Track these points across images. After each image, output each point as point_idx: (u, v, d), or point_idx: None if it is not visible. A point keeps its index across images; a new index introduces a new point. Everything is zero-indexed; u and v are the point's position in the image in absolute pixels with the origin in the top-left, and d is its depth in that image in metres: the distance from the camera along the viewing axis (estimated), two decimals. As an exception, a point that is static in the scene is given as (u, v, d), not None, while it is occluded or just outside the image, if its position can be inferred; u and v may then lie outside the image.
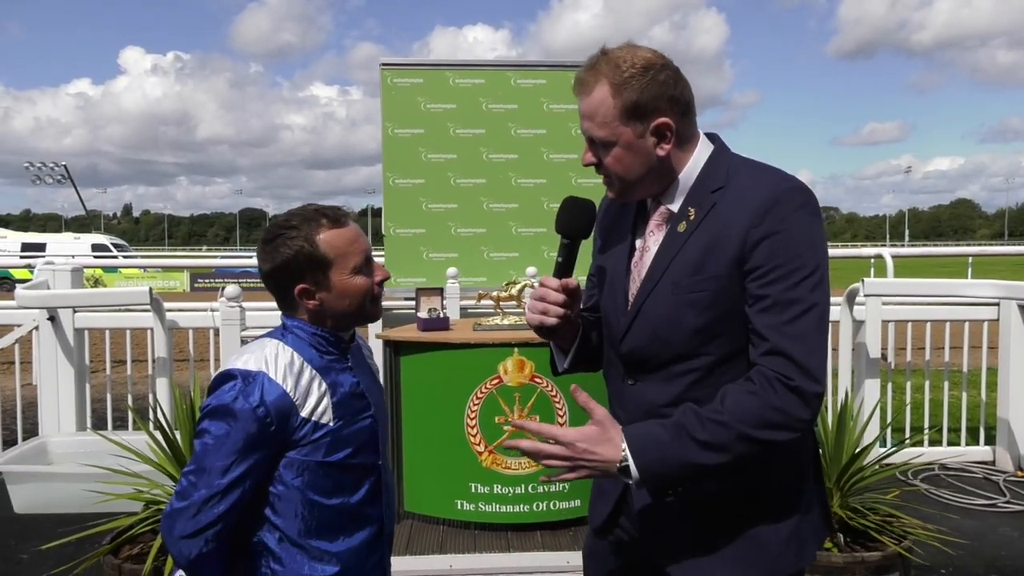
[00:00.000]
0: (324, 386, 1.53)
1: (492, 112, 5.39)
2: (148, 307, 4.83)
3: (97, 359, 6.77)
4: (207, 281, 26.07)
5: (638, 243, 1.56)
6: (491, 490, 3.31)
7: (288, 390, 1.47)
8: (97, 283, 21.82)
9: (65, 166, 48.11)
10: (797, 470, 1.53)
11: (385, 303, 5.02)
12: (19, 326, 5.24)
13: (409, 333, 3.42)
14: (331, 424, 1.52)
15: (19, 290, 5.00)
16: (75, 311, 5.11)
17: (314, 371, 1.53)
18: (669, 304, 1.45)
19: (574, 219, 1.58)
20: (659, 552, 1.52)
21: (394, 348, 3.37)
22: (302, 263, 1.52)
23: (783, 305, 1.38)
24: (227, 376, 1.47)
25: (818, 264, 1.41)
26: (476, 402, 3.28)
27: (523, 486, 3.30)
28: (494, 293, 3.52)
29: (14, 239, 29.55)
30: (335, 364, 1.58)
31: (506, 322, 3.46)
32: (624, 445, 1.37)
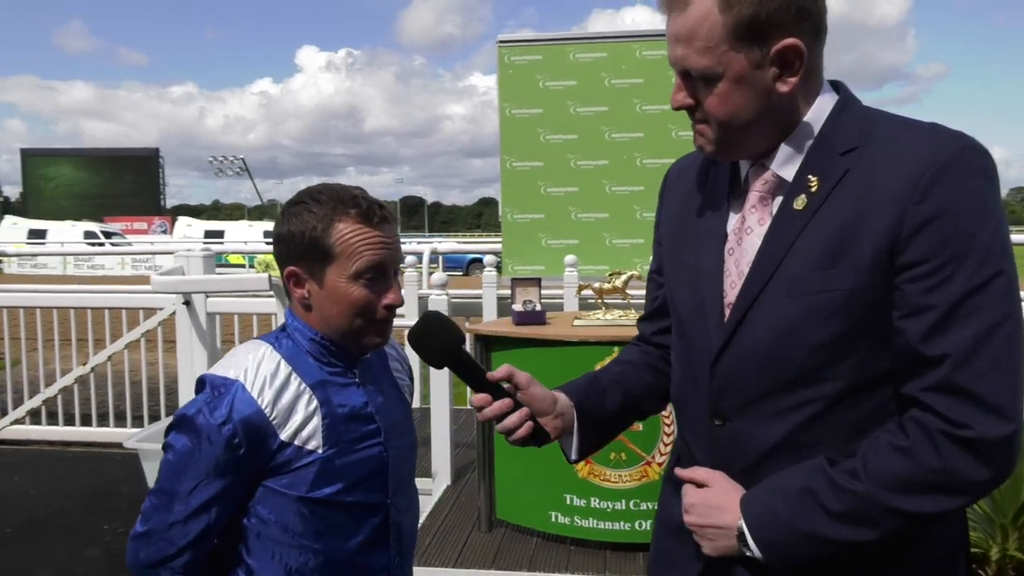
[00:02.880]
0: (314, 404, 1.26)
1: (615, 88, 5.01)
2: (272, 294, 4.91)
3: (228, 342, 7.08)
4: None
5: (731, 224, 1.18)
6: (588, 503, 2.99)
7: (264, 406, 1.22)
8: (268, 267, 23.41)
9: (243, 159, 52.20)
10: (956, 538, 1.15)
11: (499, 291, 4.85)
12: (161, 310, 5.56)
13: (501, 327, 3.16)
14: (319, 451, 1.25)
15: (154, 276, 5.24)
16: (207, 296, 5.29)
17: (303, 385, 1.26)
18: (784, 310, 1.08)
19: (432, 347, 1.23)
20: None
21: (485, 343, 3.12)
22: (304, 244, 1.27)
23: (959, 318, 0.99)
24: (200, 383, 1.25)
25: (1004, 254, 1.02)
26: (571, 405, 2.97)
27: (623, 501, 2.95)
28: (596, 285, 3.18)
29: (199, 226, 32.40)
30: (336, 378, 1.31)
31: (608, 316, 3.11)
32: (740, 512, 1.08)
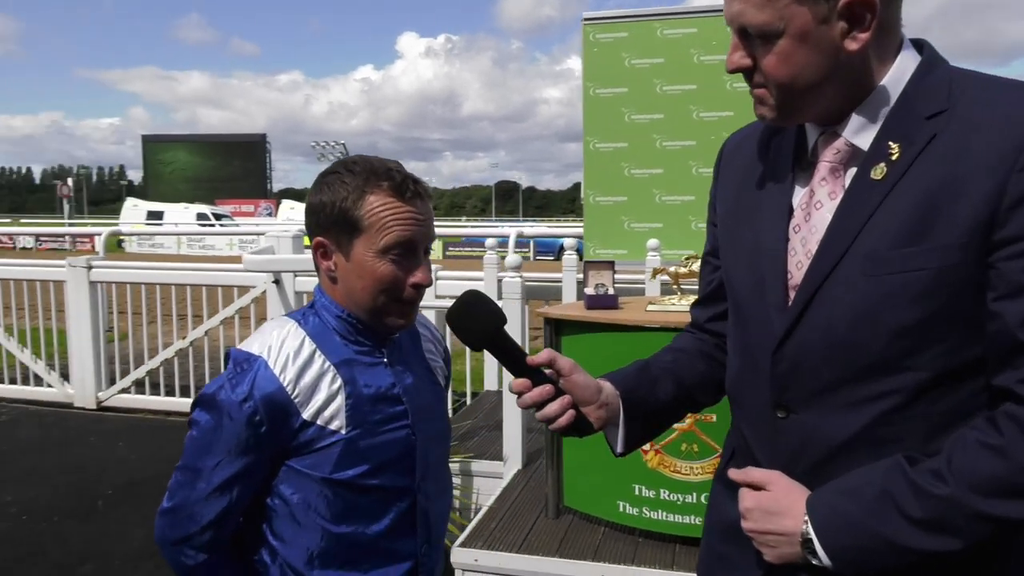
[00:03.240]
0: (338, 383, 1.23)
1: (704, 65, 4.79)
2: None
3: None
4: (457, 249, 27.63)
5: (798, 199, 1.08)
6: (657, 495, 2.88)
7: (286, 384, 1.20)
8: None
9: (344, 144, 53.68)
10: None
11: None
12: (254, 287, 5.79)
13: (572, 311, 3.08)
14: (342, 432, 1.22)
15: (246, 255, 5.43)
16: (295, 275, 5.45)
17: (328, 364, 1.24)
18: (860, 291, 0.97)
19: (471, 329, 1.15)
20: None
21: (555, 327, 3.05)
22: (334, 215, 1.24)
23: None
24: (226, 359, 1.25)
25: None
26: (642, 393, 2.86)
27: (694, 495, 2.83)
28: (672, 269, 3.05)
29: (301, 209, 33.77)
30: (363, 357, 1.28)
31: (684, 302, 2.98)
32: (805, 516, 0.99)
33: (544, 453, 3.20)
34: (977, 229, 0.91)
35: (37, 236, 28.53)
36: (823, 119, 1.05)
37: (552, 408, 1.14)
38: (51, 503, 4.15)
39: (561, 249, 6.88)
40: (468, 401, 5.37)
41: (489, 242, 5.59)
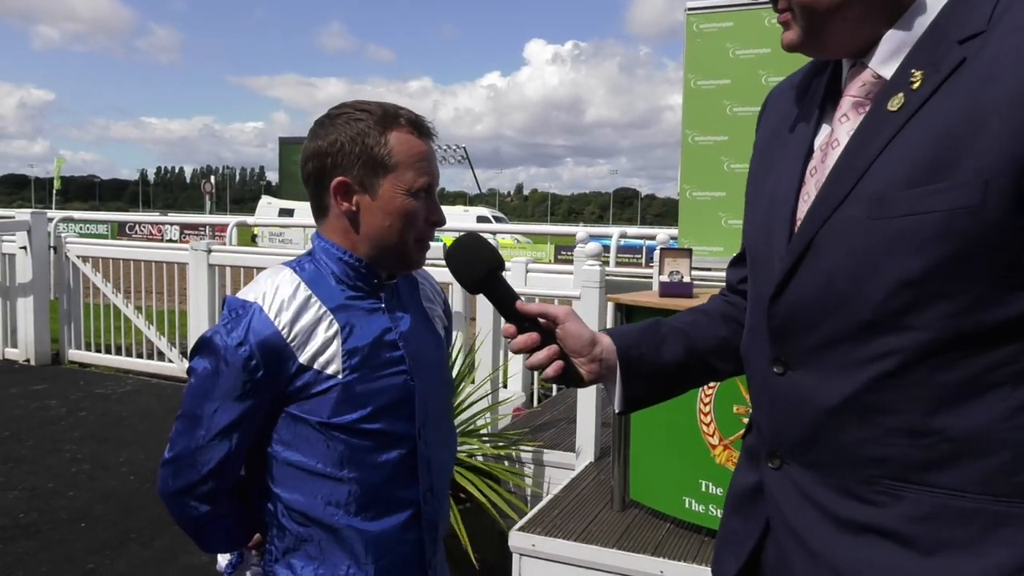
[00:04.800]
0: (334, 328, 1.23)
1: (813, 53, 4.54)
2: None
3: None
4: (568, 253, 27.66)
5: (819, 139, 0.99)
6: (725, 493, 2.74)
7: (281, 328, 1.20)
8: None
9: (465, 148, 55.00)
10: None
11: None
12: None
13: (644, 298, 2.99)
14: (339, 376, 1.22)
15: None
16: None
17: (324, 308, 1.23)
18: (863, 236, 0.87)
19: (463, 270, 1.14)
20: None
21: (626, 314, 2.97)
22: (357, 153, 1.22)
23: None
24: (223, 306, 1.26)
25: None
26: (712, 386, 2.74)
27: (765, 495, 2.67)
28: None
29: (277, 204, 34.84)
30: (360, 303, 1.27)
31: (763, 293, 2.83)
32: None
33: (612, 446, 3.12)
34: (1004, 169, 0.79)
35: (182, 228, 30.80)
36: (853, 49, 0.96)
37: (539, 356, 1.11)
38: (156, 466, 4.45)
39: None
40: (554, 393, 5.33)
41: (581, 235, 5.53)
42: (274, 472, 1.27)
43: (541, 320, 1.13)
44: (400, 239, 1.26)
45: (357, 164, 1.23)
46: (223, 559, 1.39)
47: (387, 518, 1.27)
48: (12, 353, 7.07)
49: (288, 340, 1.20)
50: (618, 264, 8.09)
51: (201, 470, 1.23)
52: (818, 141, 1.00)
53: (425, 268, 1.41)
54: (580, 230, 5.98)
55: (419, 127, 1.25)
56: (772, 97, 1.19)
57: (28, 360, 6.95)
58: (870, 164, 0.87)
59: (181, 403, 1.26)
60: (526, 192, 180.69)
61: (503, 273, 1.15)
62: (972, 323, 0.83)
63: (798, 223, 0.96)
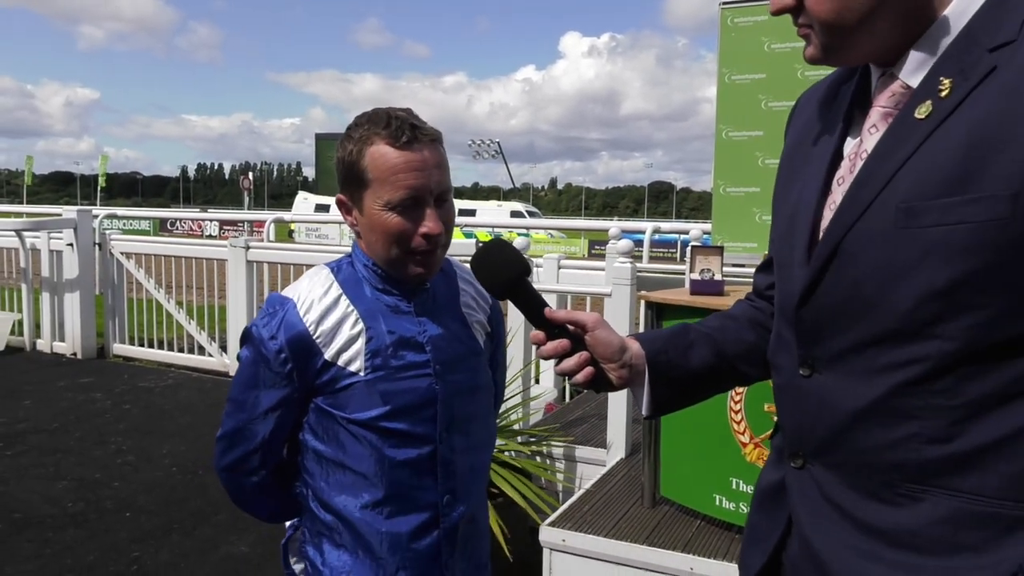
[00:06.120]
0: (359, 327, 1.28)
1: (849, 46, 4.47)
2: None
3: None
4: (601, 248, 27.54)
5: (848, 149, 1.00)
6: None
7: (309, 325, 1.26)
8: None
9: (498, 143, 54.99)
10: None
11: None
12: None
13: (675, 295, 2.99)
14: (361, 374, 1.27)
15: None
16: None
17: (351, 308, 1.29)
18: (890, 242, 0.88)
19: (490, 276, 1.15)
20: None
21: (656, 312, 2.98)
22: (343, 171, 1.29)
23: None
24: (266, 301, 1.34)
25: None
26: (743, 383, 2.73)
27: (796, 494, 2.66)
28: (784, 255, 2.89)
29: (312, 200, 35.06)
30: (388, 306, 1.31)
31: (795, 291, 2.81)
32: None
33: (643, 442, 3.13)
34: None
35: (221, 224, 31.38)
36: (879, 58, 0.96)
37: (569, 363, 1.12)
38: (197, 458, 4.56)
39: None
40: (585, 390, 5.34)
41: (613, 231, 5.52)
42: (305, 458, 1.35)
43: (570, 327, 1.15)
44: (387, 253, 1.28)
45: (345, 182, 1.29)
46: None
47: (403, 517, 1.30)
48: (60, 347, 7.31)
49: (315, 336, 1.27)
50: (652, 259, 8.06)
51: (247, 447, 1.32)
52: (847, 150, 1.00)
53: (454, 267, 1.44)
54: (613, 226, 5.96)
55: (396, 137, 1.22)
56: (801, 103, 1.19)
57: (75, 354, 7.18)
58: (896, 171, 0.88)
59: (230, 388, 1.37)
60: (560, 186, 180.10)
61: (530, 278, 1.17)
62: (1000, 334, 0.84)
63: (822, 228, 0.97)
